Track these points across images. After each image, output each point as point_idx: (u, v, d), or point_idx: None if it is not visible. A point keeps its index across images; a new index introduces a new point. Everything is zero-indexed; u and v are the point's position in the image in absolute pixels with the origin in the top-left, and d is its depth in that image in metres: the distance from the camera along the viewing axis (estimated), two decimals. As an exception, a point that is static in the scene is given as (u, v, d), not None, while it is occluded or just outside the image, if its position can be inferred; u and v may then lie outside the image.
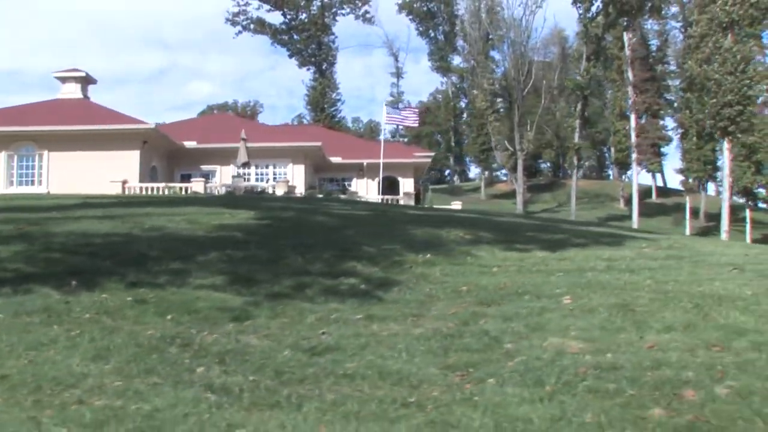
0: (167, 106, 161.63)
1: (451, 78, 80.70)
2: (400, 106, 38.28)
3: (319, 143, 38.63)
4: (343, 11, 70.98)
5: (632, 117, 49.66)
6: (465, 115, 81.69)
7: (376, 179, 43.96)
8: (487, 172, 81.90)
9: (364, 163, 43.07)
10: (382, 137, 38.30)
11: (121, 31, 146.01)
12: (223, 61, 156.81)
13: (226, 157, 38.03)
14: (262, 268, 8.66)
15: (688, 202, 70.72)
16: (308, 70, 70.96)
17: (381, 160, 37.59)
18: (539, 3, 74.97)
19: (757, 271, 9.06)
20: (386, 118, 37.82)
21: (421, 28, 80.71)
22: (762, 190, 47.75)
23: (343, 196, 32.38)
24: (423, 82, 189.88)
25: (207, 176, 37.82)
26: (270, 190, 33.08)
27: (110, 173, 32.12)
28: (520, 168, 72.75)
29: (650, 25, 67.37)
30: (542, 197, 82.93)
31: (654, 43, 72.92)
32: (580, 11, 68.37)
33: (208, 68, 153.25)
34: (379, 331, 6.05)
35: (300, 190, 37.79)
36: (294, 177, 38.86)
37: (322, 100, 68.97)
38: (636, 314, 6.36)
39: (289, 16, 69.12)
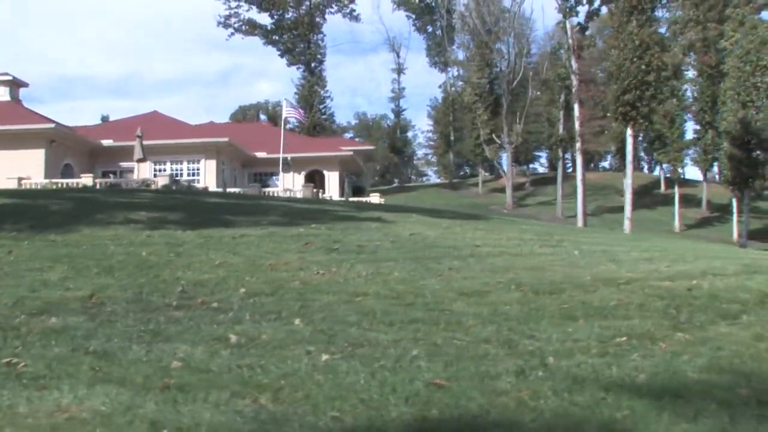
0: (233, 107, 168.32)
1: (450, 73, 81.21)
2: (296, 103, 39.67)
3: (226, 139, 40.54)
4: (331, 10, 72.62)
5: (576, 107, 49.41)
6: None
7: (303, 173, 45.66)
8: (485, 167, 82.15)
9: (289, 158, 44.69)
10: (282, 130, 39.67)
11: (184, 34, 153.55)
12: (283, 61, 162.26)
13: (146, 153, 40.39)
14: None
15: (677, 193, 69.35)
16: (298, 69, 73.01)
17: (280, 154, 39.19)
18: (524, -7, 75.03)
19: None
20: (286, 112, 39.39)
21: (418, 24, 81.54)
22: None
23: (197, 186, 33.71)
24: (426, 76, 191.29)
25: (123, 172, 40.30)
26: (153, 186, 35.08)
27: (15, 170, 34.85)
28: (508, 161, 72.81)
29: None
30: (545, 190, 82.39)
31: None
32: (559, 1, 68.04)
33: (272, 69, 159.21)
34: None
35: (212, 184, 39.87)
36: (206, 172, 40.92)
37: (311, 97, 70.78)
38: None
39: (276, 16, 71.27)
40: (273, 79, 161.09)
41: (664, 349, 4.86)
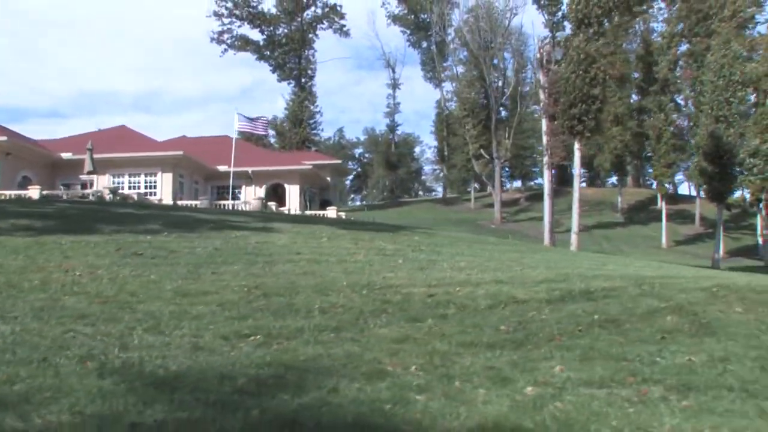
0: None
1: (444, 88, 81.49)
2: (252, 116, 40.13)
3: (180, 152, 41.29)
4: (322, 26, 73.51)
5: (544, 120, 49.30)
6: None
7: (264, 186, 46.23)
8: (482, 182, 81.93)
9: (250, 171, 45.35)
10: (233, 143, 40.26)
11: (206, 52, 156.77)
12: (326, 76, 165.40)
13: (104, 166, 41.35)
14: None
15: (663, 209, 68.52)
16: (289, 84, 73.90)
17: (231, 168, 39.76)
18: (515, 10, 75.28)
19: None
20: (238, 126, 39.97)
21: (412, 39, 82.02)
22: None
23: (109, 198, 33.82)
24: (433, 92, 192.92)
25: (83, 185, 41.21)
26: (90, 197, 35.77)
27: (-31, 182, 35.99)
28: (497, 176, 72.57)
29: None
30: (539, 206, 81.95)
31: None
32: (546, 16, 68.10)
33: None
34: None
35: (168, 197, 40.64)
36: (163, 184, 41.68)
37: (301, 112, 71.57)
38: None
39: (267, 33, 72.34)
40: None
41: (276, 347, 5.60)
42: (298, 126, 71.38)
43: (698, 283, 11.15)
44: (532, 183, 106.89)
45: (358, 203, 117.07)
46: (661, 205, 68.98)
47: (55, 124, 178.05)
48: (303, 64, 73.58)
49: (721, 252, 63.95)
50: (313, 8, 73.58)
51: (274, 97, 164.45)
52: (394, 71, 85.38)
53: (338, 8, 73.06)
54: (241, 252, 11.96)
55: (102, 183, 42.04)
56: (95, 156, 41.29)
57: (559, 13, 66.93)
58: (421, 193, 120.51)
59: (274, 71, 74.34)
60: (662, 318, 7.57)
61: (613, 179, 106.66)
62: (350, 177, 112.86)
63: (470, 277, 10.51)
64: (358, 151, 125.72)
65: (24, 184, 40.12)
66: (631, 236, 70.38)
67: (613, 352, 5.95)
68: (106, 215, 18.49)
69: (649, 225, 75.27)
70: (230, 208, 38.38)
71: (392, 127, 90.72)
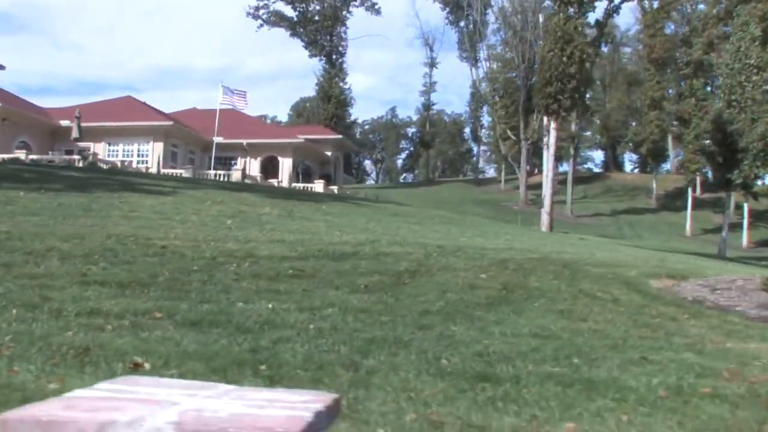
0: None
1: (480, 68, 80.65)
2: (234, 89, 41.18)
3: (170, 122, 42.71)
4: (355, 3, 73.95)
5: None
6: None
7: (259, 159, 47.34)
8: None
9: (245, 143, 46.52)
10: (217, 116, 41.43)
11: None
12: (378, 55, 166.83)
13: (101, 135, 43.35)
14: None
15: (689, 197, 66.29)
16: (320, 60, 74.76)
17: (214, 138, 40.96)
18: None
19: None
20: (221, 99, 41.10)
21: (451, 18, 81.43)
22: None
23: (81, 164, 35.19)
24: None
25: (81, 151, 43.18)
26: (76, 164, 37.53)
27: (-32, 144, 38.30)
28: (523, 158, 71.66)
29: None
30: (575, 190, 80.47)
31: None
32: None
33: (365, 62, 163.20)
34: None
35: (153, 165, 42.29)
36: (153, 153, 43.27)
37: (330, 88, 72.38)
38: None
39: (300, 9, 73.32)
40: (365, 71, 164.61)
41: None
42: (326, 102, 72.19)
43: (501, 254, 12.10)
44: (581, 167, 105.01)
45: (408, 179, 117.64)
46: (690, 192, 66.73)
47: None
48: (335, 41, 74.22)
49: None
50: (347, -16, 74.07)
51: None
52: (432, 50, 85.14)
53: (370, -15, 73.40)
54: (85, 208, 13.46)
55: (98, 151, 44.02)
56: (94, 124, 43.31)
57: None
58: (470, 173, 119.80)
59: (306, 47, 75.24)
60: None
61: (668, 165, 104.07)
62: (367, 155, 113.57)
63: (270, 238, 11.79)
64: (411, 130, 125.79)
65: (22, 148, 42.33)
66: (657, 223, 68.64)
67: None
68: (38, 176, 20.07)
69: (681, 213, 73.01)
70: (212, 177, 39.71)
71: (427, 106, 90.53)
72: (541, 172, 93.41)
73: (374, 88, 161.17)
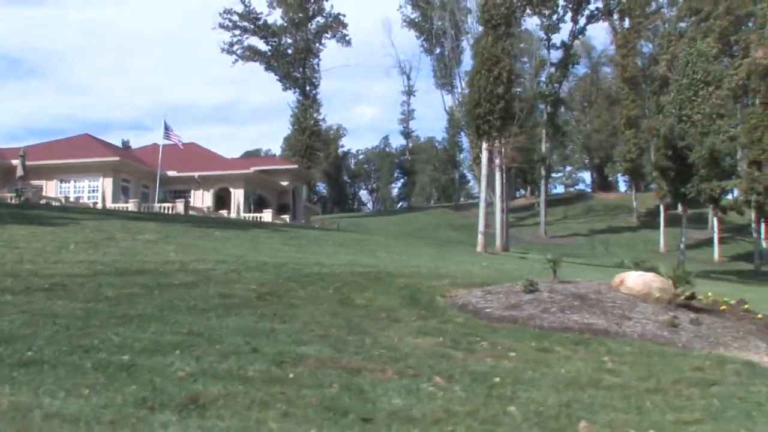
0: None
1: (456, 94, 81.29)
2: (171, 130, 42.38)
3: (116, 158, 43.59)
4: (327, 36, 75.13)
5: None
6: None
7: (211, 190, 48.06)
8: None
9: (197, 176, 47.26)
10: (160, 150, 42.28)
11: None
12: (384, 86, 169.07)
13: (50, 172, 44.36)
14: None
15: (662, 214, 65.94)
16: (294, 92, 75.83)
17: (158, 171, 41.71)
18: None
19: None
20: (164, 134, 41.95)
21: (426, 46, 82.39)
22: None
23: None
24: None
25: (34, 189, 44.10)
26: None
27: None
28: (500, 181, 71.61)
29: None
30: (554, 211, 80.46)
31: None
32: (544, 19, 67.08)
33: (372, 93, 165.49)
34: None
35: (108, 200, 43.16)
36: (105, 188, 44.14)
37: (305, 120, 73.31)
38: None
39: (272, 44, 74.61)
40: (372, 104, 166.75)
41: None
42: (301, 134, 73.06)
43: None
44: (572, 189, 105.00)
45: (404, 207, 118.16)
46: (662, 209, 66.55)
47: (136, 136, 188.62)
48: (308, 72, 75.32)
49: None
50: (318, 18, 75.30)
51: (348, 106, 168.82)
52: (408, 78, 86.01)
53: (341, 18, 74.58)
54: None
55: (50, 188, 44.98)
56: (46, 162, 44.35)
57: (554, 16, 66.22)
58: (462, 199, 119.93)
59: (280, 81, 76.35)
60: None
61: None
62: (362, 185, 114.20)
63: (85, 259, 12.12)
64: (404, 158, 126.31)
65: (-26, 188, 43.36)
66: (633, 241, 68.33)
67: None
68: None
69: (659, 230, 72.81)
70: (156, 210, 40.45)
71: (407, 134, 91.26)
72: (523, 195, 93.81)
73: (378, 119, 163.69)
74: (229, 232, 25.43)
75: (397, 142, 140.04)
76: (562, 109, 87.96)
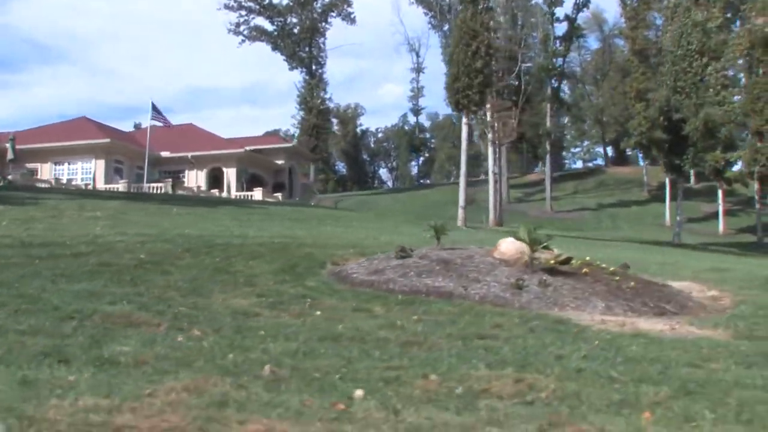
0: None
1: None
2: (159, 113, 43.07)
3: (107, 140, 44.36)
4: (332, 14, 75.09)
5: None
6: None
7: (204, 170, 48.69)
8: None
9: (190, 156, 47.92)
10: (148, 131, 42.96)
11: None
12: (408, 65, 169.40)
13: (46, 155, 45.37)
14: None
15: (667, 187, 64.97)
16: (301, 72, 76.06)
17: (146, 151, 42.41)
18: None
19: None
20: (152, 115, 42.57)
21: (434, 22, 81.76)
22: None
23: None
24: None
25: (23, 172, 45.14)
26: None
27: None
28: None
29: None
30: (565, 186, 79.79)
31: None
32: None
33: (396, 72, 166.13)
34: None
35: (101, 181, 44.04)
36: (97, 170, 44.99)
37: (311, 99, 73.60)
38: None
39: (278, 23, 74.82)
40: (399, 82, 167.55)
41: None
42: (308, 113, 73.39)
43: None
44: (590, 164, 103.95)
45: (425, 183, 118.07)
46: (668, 182, 65.56)
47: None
48: (314, 52, 75.43)
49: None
50: (324, -4, 75.32)
51: (377, 83, 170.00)
52: (417, 55, 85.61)
53: (347, -5, 74.56)
54: None
55: (45, 171, 45.97)
56: (40, 146, 45.33)
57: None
58: (483, 176, 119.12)
59: (286, 60, 76.56)
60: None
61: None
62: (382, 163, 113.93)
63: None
64: (426, 135, 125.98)
65: (-28, 170, 44.47)
66: (642, 214, 67.57)
67: None
68: None
69: (672, 203, 71.87)
70: (145, 190, 41.19)
71: (417, 111, 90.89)
72: (533, 171, 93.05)
73: (403, 97, 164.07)
74: (194, 209, 25.87)
75: (420, 119, 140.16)
76: (573, 84, 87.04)
